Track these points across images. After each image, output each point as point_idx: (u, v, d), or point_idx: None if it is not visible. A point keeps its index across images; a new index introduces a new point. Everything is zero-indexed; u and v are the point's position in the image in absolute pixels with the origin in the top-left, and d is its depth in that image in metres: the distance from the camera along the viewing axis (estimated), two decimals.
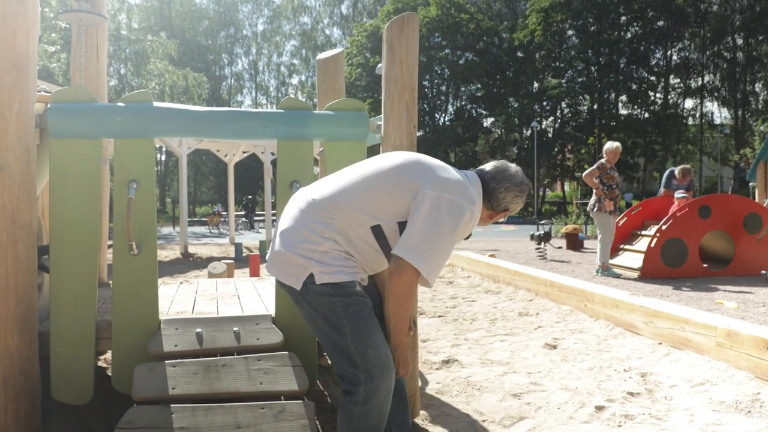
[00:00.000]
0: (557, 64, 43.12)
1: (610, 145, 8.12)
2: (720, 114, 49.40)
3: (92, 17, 3.94)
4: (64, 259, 2.68)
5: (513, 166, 2.32)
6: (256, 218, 27.86)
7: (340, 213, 2.10)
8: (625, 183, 42.00)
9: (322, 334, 2.14)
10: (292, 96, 3.14)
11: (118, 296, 2.73)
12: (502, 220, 2.41)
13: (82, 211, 2.69)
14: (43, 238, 3.44)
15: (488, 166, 2.32)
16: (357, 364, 2.08)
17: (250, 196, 29.10)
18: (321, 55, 4.49)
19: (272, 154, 14.61)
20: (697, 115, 43.51)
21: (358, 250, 2.12)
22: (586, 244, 13.29)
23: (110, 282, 4.03)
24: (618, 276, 7.94)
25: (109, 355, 3.98)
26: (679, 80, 43.10)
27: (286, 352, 2.68)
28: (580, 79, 42.05)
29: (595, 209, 7.98)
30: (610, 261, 8.62)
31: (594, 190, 8.13)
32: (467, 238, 2.29)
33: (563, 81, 41.94)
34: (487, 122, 45.90)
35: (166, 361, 2.58)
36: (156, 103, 2.78)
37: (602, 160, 8.06)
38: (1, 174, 2.53)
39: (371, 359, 2.07)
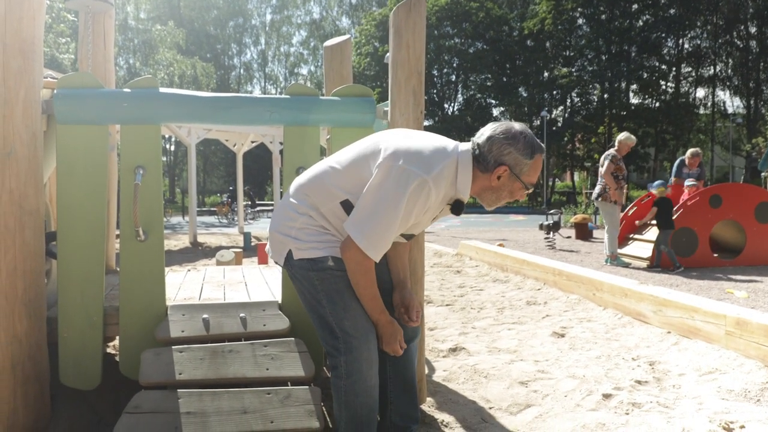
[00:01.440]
0: (567, 52, 42.80)
1: (627, 138, 8.07)
2: (732, 103, 49.02)
3: (99, 4, 3.93)
4: (72, 244, 2.68)
5: (506, 122, 2.12)
6: (262, 208, 27.90)
7: (313, 189, 2.15)
8: (635, 173, 41.78)
9: (308, 307, 2.23)
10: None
11: (125, 282, 2.73)
12: (520, 198, 2.18)
13: (89, 196, 2.70)
14: (50, 224, 3.45)
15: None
16: (337, 335, 2.13)
17: (247, 187, 29.08)
18: (328, 42, 4.46)
19: (281, 143, 14.60)
20: (709, 104, 43.08)
21: (332, 224, 2.15)
22: (596, 233, 13.23)
23: (118, 269, 4.06)
24: (627, 265, 7.91)
25: (116, 341, 4.00)
26: (690, 69, 42.65)
27: (293, 338, 2.68)
28: (590, 68, 41.71)
29: (600, 199, 7.97)
30: (619, 251, 8.59)
31: (599, 179, 8.11)
32: (458, 213, 2.11)
33: (573, 70, 41.63)
34: (497, 112, 45.68)
35: (173, 347, 2.59)
36: (162, 89, 2.78)
37: (613, 151, 8.01)
38: (9, 160, 2.53)
39: (348, 330, 2.11)
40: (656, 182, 8.14)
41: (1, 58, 2.52)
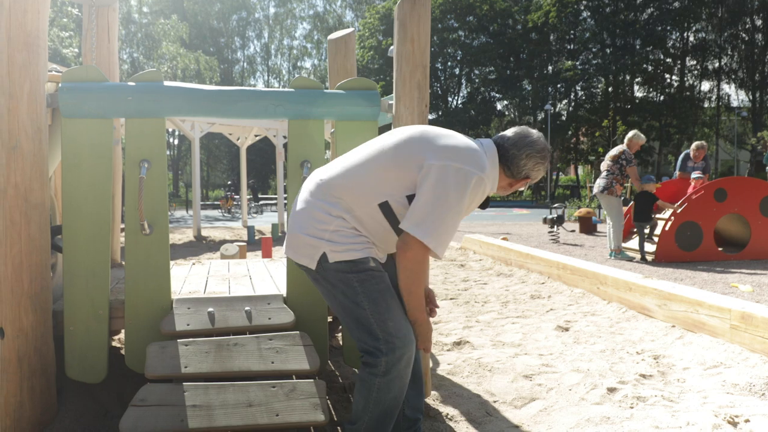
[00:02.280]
0: (572, 46, 42.65)
1: (638, 137, 8.09)
2: (737, 96, 48.75)
3: None
4: (77, 238, 2.69)
5: (535, 132, 2.26)
6: (265, 202, 27.91)
7: (346, 192, 2.11)
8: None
9: (342, 309, 2.17)
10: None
11: (130, 275, 2.74)
12: (522, 188, 2.34)
13: (94, 190, 2.70)
14: (55, 218, 3.46)
15: (509, 132, 2.28)
16: (378, 336, 2.09)
17: (251, 181, 29.07)
18: (332, 35, 4.45)
19: (284, 137, 14.60)
20: (714, 97, 42.89)
21: (367, 227, 2.13)
22: (600, 227, 13.21)
23: (123, 263, 4.07)
24: (631, 259, 7.90)
25: (122, 335, 4.02)
26: (695, 62, 42.43)
27: (298, 332, 2.69)
28: (594, 62, 41.54)
29: (605, 192, 7.96)
30: (624, 244, 8.58)
31: (603, 173, 8.10)
32: (485, 207, 2.25)
33: (578, 63, 41.47)
34: (501, 105, 45.58)
35: (179, 340, 2.59)
36: (167, 83, 2.77)
37: (625, 148, 8.01)
38: (14, 154, 2.54)
39: (391, 330, 2.09)
40: (644, 177, 8.17)
41: (5, 52, 2.52)
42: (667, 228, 7.77)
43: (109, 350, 2.80)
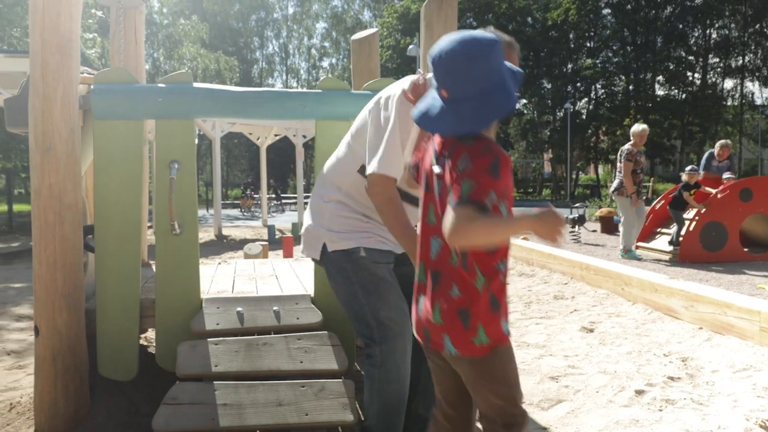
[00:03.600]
0: (592, 44, 42.26)
1: (637, 127, 8.08)
2: (761, 94, 47.98)
3: (130, 0, 3.97)
4: (109, 237, 2.73)
5: None
6: (286, 201, 28.04)
7: (333, 171, 2.27)
8: (660, 165, 41.17)
9: (341, 299, 2.28)
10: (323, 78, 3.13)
11: (161, 275, 2.77)
12: None
13: (125, 190, 2.74)
14: (87, 218, 3.51)
15: None
16: (371, 325, 2.17)
17: (272, 181, 29.22)
18: (356, 36, 4.46)
19: (304, 137, 14.65)
20: (737, 95, 42.23)
21: (358, 200, 2.20)
22: (621, 227, 13.06)
23: (151, 262, 4.11)
24: (639, 259, 7.87)
25: (150, 333, 4.06)
26: (718, 59, 41.82)
27: (326, 332, 2.70)
28: (615, 60, 41.12)
29: (617, 193, 7.97)
30: (647, 244, 8.51)
31: (616, 173, 8.07)
32: None
33: (598, 61, 41.08)
34: (519, 104, 45.28)
35: (209, 339, 2.62)
36: (196, 84, 2.80)
37: (629, 146, 7.95)
38: (48, 155, 2.58)
39: (383, 320, 2.16)
40: (688, 168, 8.22)
41: (39, 55, 2.56)
42: (691, 228, 7.68)
43: (139, 348, 2.84)
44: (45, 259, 2.58)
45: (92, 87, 2.72)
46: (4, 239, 11.62)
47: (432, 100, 1.50)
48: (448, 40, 1.45)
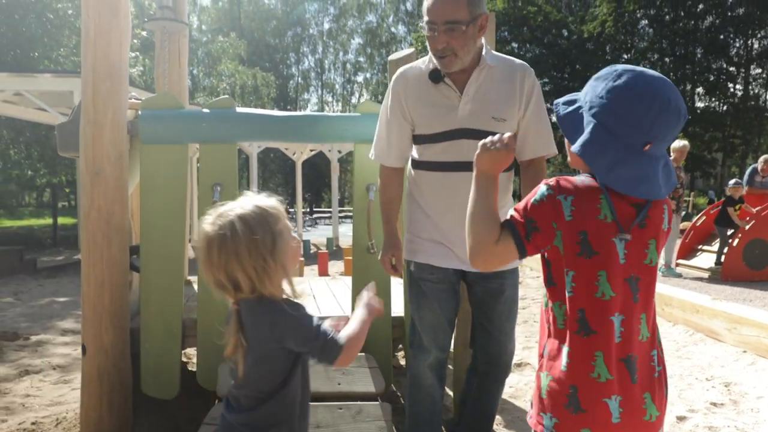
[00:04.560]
0: (629, 55, 41.68)
1: (678, 143, 7.95)
2: None
3: (175, 25, 4.10)
4: (154, 258, 2.81)
5: None
6: (319, 216, 28.24)
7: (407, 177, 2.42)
8: (701, 179, 40.21)
9: None
10: (357, 94, 3.19)
11: (203, 295, 2.83)
12: (432, 42, 2.09)
13: (170, 212, 2.82)
14: (132, 238, 3.61)
15: None
16: (410, 330, 2.40)
17: (308, 194, 29.46)
18: (393, 56, 4.50)
19: (339, 152, 14.78)
20: None
21: (423, 193, 2.28)
22: None
23: (190, 278, 4.20)
24: (679, 276, 7.72)
25: (187, 349, 4.14)
26: (761, 70, 40.80)
27: (363, 354, 2.72)
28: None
29: None
30: (687, 261, 8.34)
31: None
32: (436, 81, 2.15)
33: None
34: (555, 117, 44.88)
35: None
36: (239, 109, 2.88)
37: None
38: (97, 179, 2.67)
39: (414, 333, 2.36)
40: (732, 181, 8.07)
41: (91, 82, 2.67)
42: (734, 245, 7.50)
43: (181, 367, 2.90)
44: (93, 280, 2.67)
45: (140, 113, 2.82)
46: (50, 252, 11.98)
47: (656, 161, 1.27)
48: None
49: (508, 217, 1.30)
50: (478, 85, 2.15)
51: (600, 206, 1.25)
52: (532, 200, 1.27)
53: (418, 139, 2.26)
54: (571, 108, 1.31)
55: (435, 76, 2.15)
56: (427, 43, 2.10)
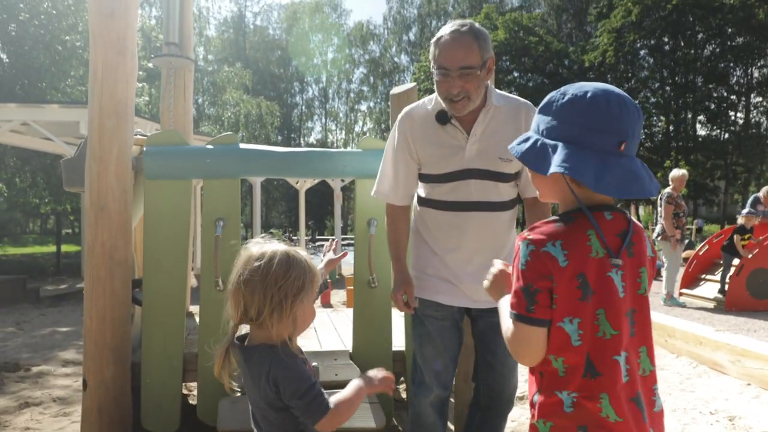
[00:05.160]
0: (630, 84, 42.03)
1: (677, 172, 8.04)
2: None
3: (181, 60, 4.18)
4: (157, 293, 2.83)
5: None
6: (322, 243, 28.25)
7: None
8: (704, 207, 40.22)
9: None
10: (360, 122, 3.24)
11: (204, 330, 2.84)
12: (443, 85, 2.11)
13: (173, 246, 2.84)
14: (135, 271, 3.63)
15: None
16: (413, 365, 2.41)
17: (311, 222, 29.51)
18: (395, 90, 4.56)
19: (342, 180, 14.85)
20: None
21: (430, 230, 2.29)
22: (664, 272, 12.77)
23: (191, 309, 4.21)
24: (682, 305, 7.69)
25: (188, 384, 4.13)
26: (761, 99, 41.06)
27: None
28: (653, 100, 40.77)
29: (660, 238, 7.87)
30: (691, 291, 8.31)
31: (658, 218, 8.01)
32: (444, 122, 2.18)
33: (637, 102, 40.77)
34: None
35: None
36: (242, 145, 2.92)
37: (669, 190, 7.88)
38: (102, 214, 2.71)
39: (416, 367, 2.36)
40: (745, 211, 8.10)
41: (97, 119, 2.72)
42: (737, 275, 7.48)
43: (181, 401, 2.90)
44: (95, 314, 2.69)
45: (144, 149, 2.86)
46: (53, 281, 12.00)
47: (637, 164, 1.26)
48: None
49: (507, 309, 1.28)
50: (485, 126, 2.18)
51: (590, 243, 1.22)
52: (519, 266, 1.23)
53: (425, 178, 2.28)
54: (528, 143, 1.28)
55: (442, 117, 2.19)
56: (435, 86, 2.14)
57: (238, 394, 2.38)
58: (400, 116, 2.29)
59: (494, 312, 2.21)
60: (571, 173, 1.18)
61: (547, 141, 1.25)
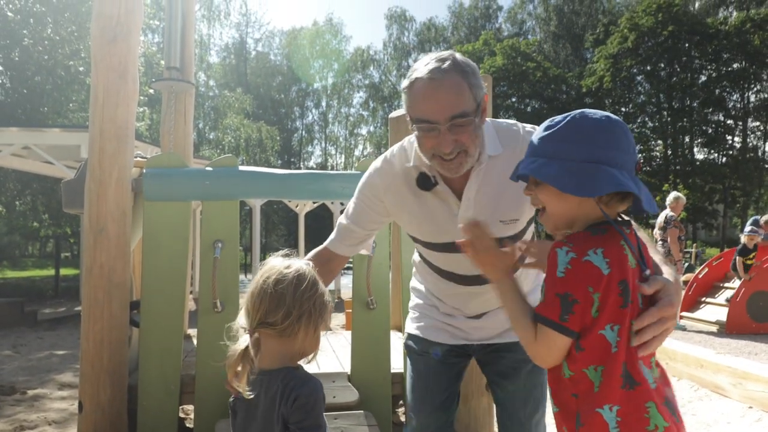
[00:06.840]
0: (627, 109, 42.35)
1: (676, 195, 8.05)
2: None
3: (182, 85, 4.22)
4: (155, 315, 2.82)
5: None
6: None
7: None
8: (703, 230, 40.25)
9: None
10: (360, 146, 3.26)
11: (201, 352, 2.83)
12: (424, 142, 1.60)
13: (171, 268, 2.84)
14: (133, 293, 3.63)
15: None
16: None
17: (311, 246, 29.45)
18: (393, 114, 4.61)
19: (341, 204, 14.88)
20: None
21: (428, 283, 1.99)
22: None
23: (189, 332, 4.19)
24: (683, 329, 7.65)
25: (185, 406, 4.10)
26: (758, 123, 41.35)
27: (362, 411, 2.70)
28: (651, 124, 41.06)
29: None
30: (691, 314, 8.28)
31: (659, 241, 7.97)
32: (427, 189, 1.72)
33: (634, 126, 41.06)
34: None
35: None
36: (241, 167, 2.94)
37: (669, 213, 7.89)
38: (101, 236, 2.72)
39: (408, 411, 2.08)
40: (747, 229, 8.15)
41: (97, 143, 2.74)
42: (737, 298, 7.46)
43: (178, 425, 2.88)
44: (93, 337, 2.68)
45: (144, 171, 2.88)
46: (51, 304, 11.94)
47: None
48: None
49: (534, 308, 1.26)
50: (479, 186, 1.69)
51: (626, 252, 1.22)
52: (557, 274, 1.20)
53: (412, 238, 1.90)
54: (553, 168, 1.23)
55: (425, 184, 1.72)
56: (416, 143, 1.63)
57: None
58: (367, 175, 1.82)
59: (501, 351, 1.94)
60: (631, 191, 1.19)
61: (584, 164, 1.22)
